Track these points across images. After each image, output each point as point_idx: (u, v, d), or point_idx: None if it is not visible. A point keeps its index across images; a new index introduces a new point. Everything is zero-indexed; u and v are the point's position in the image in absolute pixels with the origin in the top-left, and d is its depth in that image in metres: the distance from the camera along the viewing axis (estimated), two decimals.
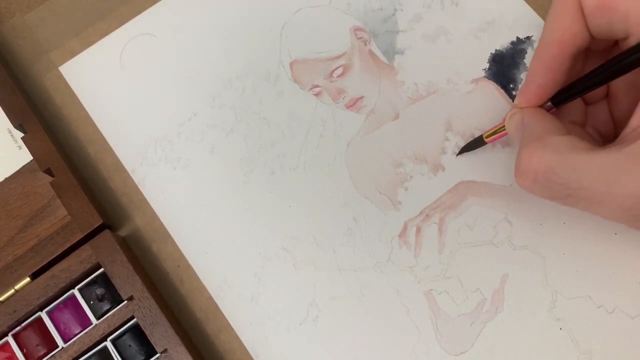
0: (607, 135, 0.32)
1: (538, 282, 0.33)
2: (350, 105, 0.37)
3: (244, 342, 0.33)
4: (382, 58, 0.37)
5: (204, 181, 0.36)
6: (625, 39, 0.27)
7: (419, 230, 0.34)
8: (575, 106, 0.32)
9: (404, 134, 0.36)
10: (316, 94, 0.37)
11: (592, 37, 0.29)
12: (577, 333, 0.32)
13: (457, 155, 0.35)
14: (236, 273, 0.34)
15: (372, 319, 0.33)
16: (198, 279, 0.34)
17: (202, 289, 0.34)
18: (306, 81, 0.37)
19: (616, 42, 0.30)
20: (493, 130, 0.33)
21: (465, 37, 0.37)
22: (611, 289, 0.32)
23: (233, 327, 0.33)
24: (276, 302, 0.34)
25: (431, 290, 0.33)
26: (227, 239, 0.35)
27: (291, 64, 0.38)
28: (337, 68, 0.37)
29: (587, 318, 0.32)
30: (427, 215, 0.34)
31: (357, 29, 0.38)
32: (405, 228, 0.34)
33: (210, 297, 0.34)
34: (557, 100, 0.30)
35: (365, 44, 0.38)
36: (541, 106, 0.31)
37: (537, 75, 0.29)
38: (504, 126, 0.32)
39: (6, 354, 0.33)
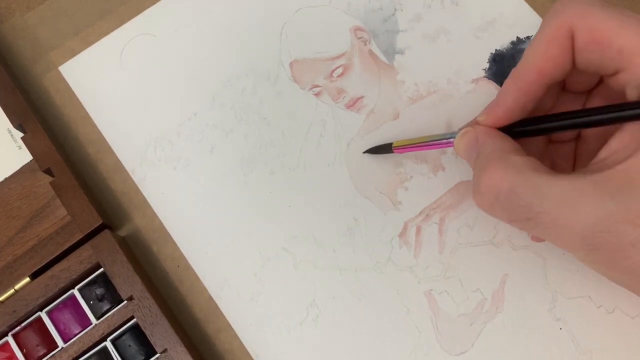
0: (565, 170, 0.31)
1: (538, 282, 0.33)
2: (350, 105, 0.37)
3: (243, 342, 0.33)
4: (382, 58, 0.37)
5: (204, 181, 0.36)
6: (614, 75, 0.26)
7: (419, 230, 0.34)
8: (536, 140, 0.31)
9: (404, 134, 0.36)
10: (316, 94, 0.37)
11: (574, 70, 0.27)
12: (577, 333, 0.32)
13: (364, 152, 0.35)
14: (236, 273, 0.34)
15: (372, 319, 0.33)
16: (198, 279, 0.34)
17: (202, 289, 0.34)
18: (306, 81, 0.37)
19: (600, 80, 0.29)
20: (406, 143, 0.33)
21: (466, 37, 0.37)
22: (611, 289, 0.32)
23: (233, 327, 0.33)
24: (276, 302, 0.34)
25: (431, 290, 0.33)
26: (227, 239, 0.35)
27: (291, 64, 0.37)
28: (337, 68, 0.37)
29: (587, 318, 0.32)
30: (427, 215, 0.34)
31: (357, 29, 0.38)
32: (405, 228, 0.34)
33: (210, 297, 0.34)
34: (518, 131, 0.28)
35: (365, 44, 0.38)
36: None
37: (509, 97, 0.28)
38: (423, 139, 0.32)
39: (6, 354, 0.33)
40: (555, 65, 0.27)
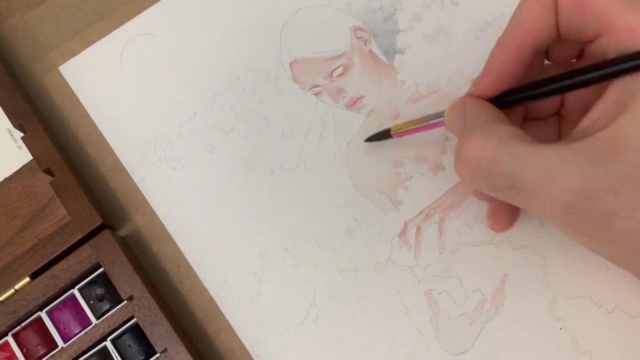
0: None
1: (538, 282, 0.33)
2: (350, 105, 0.37)
3: (244, 342, 0.33)
4: (382, 58, 0.37)
5: (204, 181, 0.36)
6: (594, 40, 0.26)
7: (419, 230, 0.34)
8: (520, 119, 0.31)
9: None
10: (316, 94, 0.37)
11: (557, 39, 0.28)
12: (577, 333, 0.32)
13: (365, 141, 0.35)
14: (236, 273, 0.34)
15: (372, 319, 0.33)
16: (198, 278, 0.34)
17: (202, 289, 0.34)
18: (306, 81, 0.37)
19: (581, 53, 0.29)
20: (403, 128, 0.33)
21: (466, 37, 0.37)
22: (611, 289, 0.32)
23: (233, 327, 0.33)
24: (276, 302, 0.34)
25: (431, 290, 0.33)
26: (227, 239, 0.35)
27: (291, 64, 0.37)
28: (337, 68, 0.37)
29: (587, 318, 0.32)
30: (427, 215, 0.34)
31: (357, 29, 0.38)
32: (405, 228, 0.34)
33: (210, 297, 0.34)
34: (505, 101, 0.29)
35: (365, 44, 0.38)
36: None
37: (496, 63, 0.28)
38: (418, 121, 0.32)
39: (6, 354, 0.33)
40: (539, 26, 0.27)
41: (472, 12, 0.38)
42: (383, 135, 0.35)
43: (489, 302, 0.33)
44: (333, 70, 0.37)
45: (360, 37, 0.38)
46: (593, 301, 0.32)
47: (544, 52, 0.30)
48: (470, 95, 0.29)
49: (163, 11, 0.39)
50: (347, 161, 0.36)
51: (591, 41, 0.27)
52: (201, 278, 0.34)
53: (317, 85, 0.37)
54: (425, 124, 0.32)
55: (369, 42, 0.38)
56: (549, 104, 0.31)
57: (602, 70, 0.25)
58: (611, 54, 0.25)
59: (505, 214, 0.32)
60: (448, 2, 0.38)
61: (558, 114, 0.32)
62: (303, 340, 0.33)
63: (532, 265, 0.33)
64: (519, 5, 0.28)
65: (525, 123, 0.32)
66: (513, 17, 0.28)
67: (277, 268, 0.34)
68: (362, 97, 0.37)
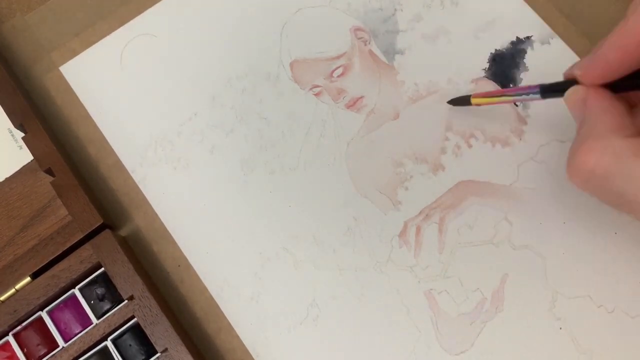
0: None
1: (538, 282, 0.33)
2: (350, 105, 0.37)
3: (244, 341, 0.33)
4: (382, 58, 0.37)
5: (204, 181, 0.36)
6: None
7: (419, 229, 0.34)
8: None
9: (404, 134, 0.36)
10: (316, 94, 0.37)
11: None
12: (577, 333, 0.32)
13: (448, 102, 0.35)
14: (236, 273, 0.34)
15: (372, 318, 0.33)
16: (198, 278, 0.34)
17: (203, 288, 0.34)
18: (306, 81, 0.37)
19: None
20: (485, 100, 0.33)
21: (465, 37, 0.37)
22: (611, 288, 0.32)
23: (233, 326, 0.34)
24: (276, 302, 0.34)
25: (431, 289, 0.33)
26: (227, 239, 0.35)
27: (291, 64, 0.38)
28: (337, 68, 0.37)
29: (587, 318, 0.32)
30: (427, 215, 0.34)
31: (357, 29, 0.38)
32: (405, 228, 0.34)
33: (211, 297, 0.34)
34: (620, 86, 0.27)
35: (366, 44, 0.38)
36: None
37: (610, 52, 0.26)
38: (499, 95, 0.31)
39: (7, 354, 0.33)
40: None
41: (472, 12, 0.38)
42: (463, 101, 0.34)
43: (489, 302, 0.33)
44: (333, 71, 0.37)
45: (361, 38, 0.38)
46: (593, 301, 0.32)
47: None
48: (578, 76, 0.28)
49: (163, 11, 0.39)
50: (347, 161, 0.36)
51: None
52: (201, 278, 0.34)
53: (318, 86, 0.37)
54: (512, 97, 0.31)
55: (369, 43, 0.38)
56: None
57: None
58: None
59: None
60: (448, 2, 0.38)
61: None
62: (303, 339, 0.33)
63: (532, 265, 0.33)
64: None
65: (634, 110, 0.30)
66: (636, 10, 0.26)
67: (278, 268, 0.34)
68: (362, 97, 0.37)
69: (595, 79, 0.27)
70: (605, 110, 0.26)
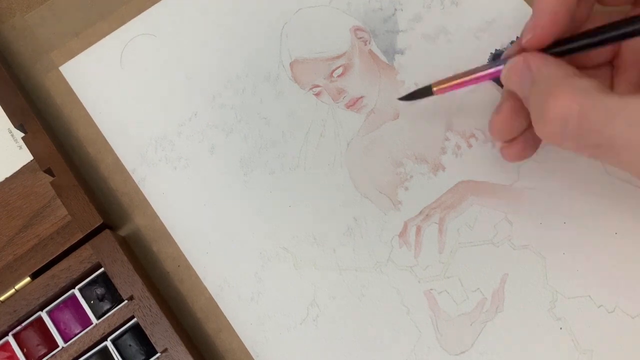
0: None
1: (538, 282, 0.33)
2: (351, 105, 0.37)
3: (244, 341, 0.33)
4: (382, 58, 0.37)
5: (204, 181, 0.36)
6: None
7: (419, 230, 0.34)
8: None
9: (404, 134, 0.36)
10: (316, 94, 0.37)
11: None
12: (577, 333, 0.32)
13: (399, 99, 0.34)
14: (236, 273, 0.34)
15: (372, 319, 0.33)
16: (198, 278, 0.34)
17: (202, 288, 0.34)
18: (306, 81, 0.37)
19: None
20: (446, 83, 0.32)
21: (465, 37, 0.37)
22: (611, 288, 0.32)
23: (233, 326, 0.34)
24: (276, 302, 0.34)
25: (431, 289, 0.33)
26: (227, 239, 0.35)
27: (291, 64, 0.38)
28: (337, 68, 0.37)
29: (587, 318, 0.32)
30: (427, 215, 0.34)
31: (357, 29, 0.38)
32: (405, 228, 0.34)
33: (211, 297, 0.34)
34: (559, 51, 0.27)
35: (366, 44, 0.38)
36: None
37: (546, 11, 0.27)
38: (463, 74, 0.31)
39: (6, 354, 0.33)
40: None
41: (472, 12, 0.38)
42: (421, 94, 0.33)
43: (489, 302, 0.33)
44: (333, 71, 0.37)
45: (361, 38, 0.38)
46: (593, 301, 0.32)
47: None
48: (527, 48, 0.28)
49: (163, 11, 0.39)
50: (347, 161, 0.36)
51: None
52: (201, 278, 0.34)
53: (318, 86, 0.37)
54: (473, 76, 0.31)
55: (369, 42, 0.38)
56: (601, 53, 0.30)
57: None
58: None
59: (521, 143, 0.30)
60: (448, 2, 0.38)
61: (610, 64, 0.30)
62: (303, 339, 0.33)
63: (532, 265, 0.33)
64: None
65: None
66: None
67: (277, 268, 0.34)
68: (362, 97, 0.37)
69: (543, 40, 0.28)
70: (557, 63, 0.27)
